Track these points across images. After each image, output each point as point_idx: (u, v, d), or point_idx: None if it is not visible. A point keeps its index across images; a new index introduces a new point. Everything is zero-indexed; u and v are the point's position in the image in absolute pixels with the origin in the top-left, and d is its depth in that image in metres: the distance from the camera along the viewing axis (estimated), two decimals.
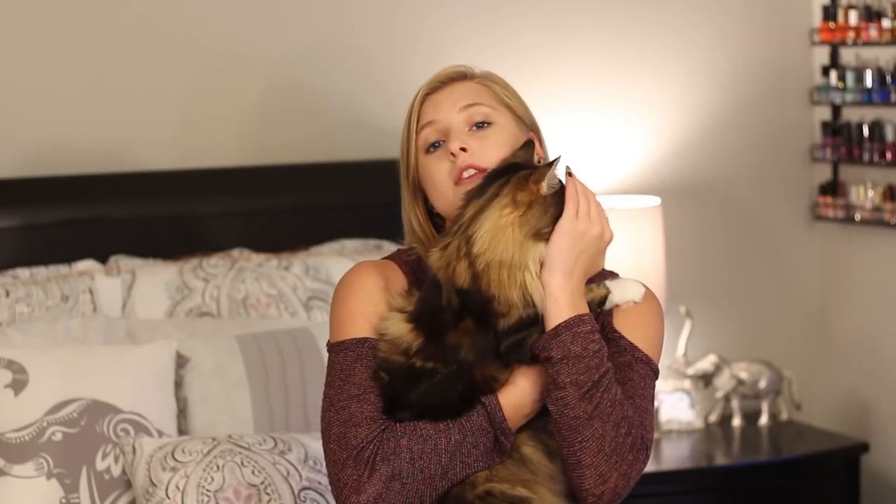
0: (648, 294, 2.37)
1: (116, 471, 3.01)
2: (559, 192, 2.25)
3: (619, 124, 4.09)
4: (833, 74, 4.10)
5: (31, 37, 3.62)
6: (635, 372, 2.31)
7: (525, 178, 2.23)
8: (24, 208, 3.48)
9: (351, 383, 2.27)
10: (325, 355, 2.41)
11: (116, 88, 3.68)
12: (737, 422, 4.03)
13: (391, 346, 2.27)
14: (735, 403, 4.03)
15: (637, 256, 3.77)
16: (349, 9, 3.86)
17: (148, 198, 3.59)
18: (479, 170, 2.31)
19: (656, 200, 3.90)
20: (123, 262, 3.46)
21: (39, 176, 3.56)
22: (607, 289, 2.32)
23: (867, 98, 3.99)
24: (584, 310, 2.24)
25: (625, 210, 3.82)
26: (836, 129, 4.14)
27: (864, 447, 3.89)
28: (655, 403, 2.76)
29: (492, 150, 2.33)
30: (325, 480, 2.93)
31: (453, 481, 2.23)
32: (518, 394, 2.25)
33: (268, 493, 2.88)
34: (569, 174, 2.27)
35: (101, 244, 3.50)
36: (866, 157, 4.01)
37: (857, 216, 4.08)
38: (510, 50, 3.94)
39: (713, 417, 4.06)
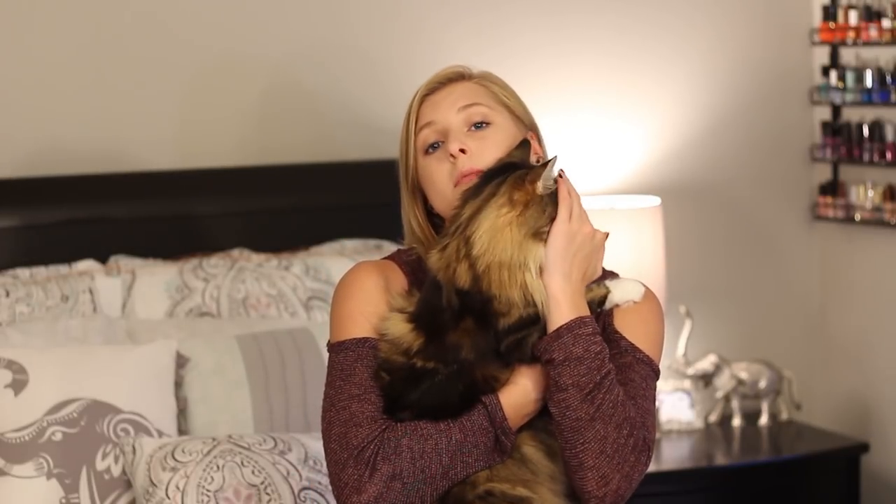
0: (648, 294, 2.37)
1: (116, 471, 3.01)
2: (555, 192, 2.25)
3: (619, 124, 4.09)
4: (833, 74, 4.10)
5: (32, 37, 3.62)
6: (636, 373, 2.31)
7: (521, 177, 2.23)
8: (24, 208, 3.48)
9: (351, 383, 2.27)
10: (326, 355, 2.41)
11: (116, 88, 3.68)
12: (737, 422, 4.03)
13: (392, 346, 2.27)
14: (735, 403, 4.03)
15: (637, 256, 3.77)
16: (349, 9, 3.86)
17: (148, 198, 3.59)
18: (479, 173, 2.31)
19: (656, 200, 3.90)
20: (123, 262, 3.46)
21: (39, 176, 3.56)
22: (607, 288, 2.32)
23: (867, 98, 3.99)
24: (585, 311, 2.24)
25: (625, 210, 3.82)
26: (836, 129, 4.14)
27: (864, 447, 3.89)
28: (656, 403, 2.76)
29: (490, 151, 2.32)
30: (325, 480, 2.93)
31: (454, 481, 2.23)
32: (519, 393, 2.25)
33: (268, 493, 2.88)
34: (560, 175, 2.27)
35: (101, 244, 3.50)
36: (866, 157, 4.01)
37: (857, 216, 4.08)
38: (510, 50, 3.94)
39: (713, 417, 4.06)
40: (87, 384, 3.06)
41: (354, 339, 2.30)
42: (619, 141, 4.09)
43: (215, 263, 3.46)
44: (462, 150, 2.33)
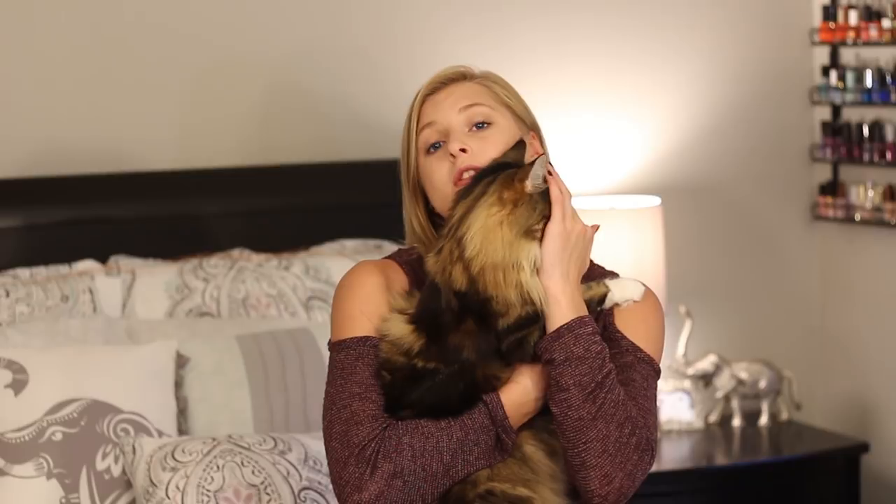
0: (648, 293, 2.37)
1: (116, 471, 3.01)
2: (547, 191, 2.24)
3: (619, 124, 4.09)
4: (833, 74, 4.10)
5: (32, 37, 3.62)
6: (637, 372, 2.31)
7: (510, 176, 2.23)
8: (24, 208, 3.48)
9: (352, 382, 2.27)
10: (326, 355, 2.41)
11: (117, 88, 3.68)
12: (737, 422, 4.03)
13: (393, 347, 2.27)
14: (735, 403, 4.02)
15: (637, 256, 3.77)
16: (349, 9, 3.86)
17: (148, 198, 3.59)
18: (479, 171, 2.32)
19: (656, 200, 3.90)
20: (123, 262, 3.46)
21: (39, 176, 3.56)
22: (606, 287, 2.32)
23: (867, 98, 3.99)
24: (585, 311, 2.25)
25: (625, 210, 3.82)
26: (836, 129, 4.14)
27: (864, 447, 3.89)
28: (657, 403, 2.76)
29: (491, 151, 2.32)
30: (325, 480, 2.93)
31: (455, 479, 2.23)
32: (520, 392, 2.25)
33: (268, 493, 2.88)
34: (549, 173, 2.26)
35: (101, 244, 3.49)
36: (866, 157, 4.01)
37: (857, 216, 4.08)
38: (511, 50, 3.94)
39: (713, 417, 4.06)
40: (87, 384, 3.06)
41: (355, 337, 2.30)
42: (619, 141, 4.09)
43: (215, 263, 3.46)
44: (463, 150, 2.33)
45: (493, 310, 2.20)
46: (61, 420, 3.02)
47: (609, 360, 2.23)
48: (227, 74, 3.76)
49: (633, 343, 2.33)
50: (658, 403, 2.62)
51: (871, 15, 3.97)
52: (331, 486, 2.73)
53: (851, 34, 4.02)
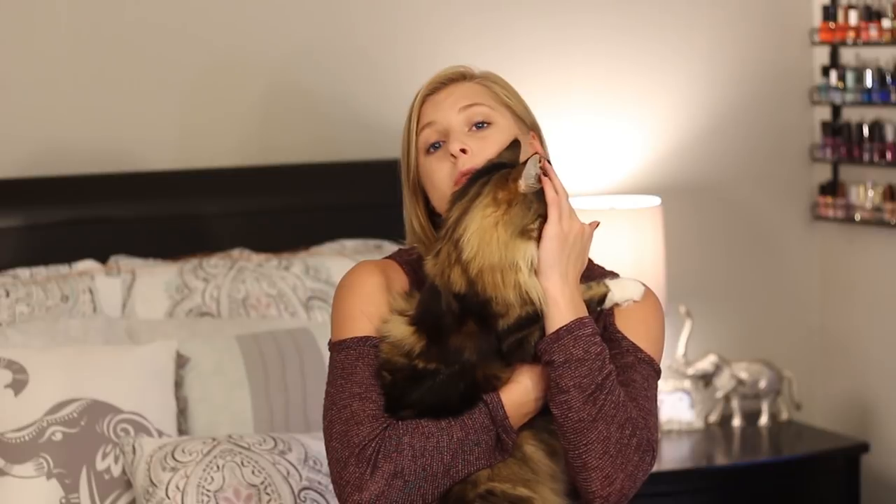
0: (648, 293, 2.37)
1: (116, 471, 3.01)
2: (542, 190, 2.24)
3: (619, 124, 4.09)
4: (833, 74, 4.10)
5: (32, 37, 3.62)
6: (638, 373, 2.31)
7: (504, 176, 2.23)
8: (24, 208, 3.48)
9: (353, 382, 2.27)
10: (326, 355, 2.41)
11: (117, 88, 3.68)
12: (737, 422, 4.03)
13: (393, 347, 2.27)
14: (735, 403, 4.02)
15: (637, 256, 3.77)
16: (349, 9, 3.86)
17: (148, 198, 3.59)
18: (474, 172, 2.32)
19: (656, 200, 3.90)
20: (123, 262, 3.46)
21: (40, 176, 3.56)
22: (606, 287, 2.32)
23: (867, 98, 3.99)
24: (584, 312, 2.24)
25: (625, 210, 3.82)
26: (836, 129, 4.14)
27: (864, 447, 3.89)
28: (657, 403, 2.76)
29: (491, 151, 2.32)
30: (325, 480, 2.93)
31: (455, 479, 2.23)
32: (520, 392, 2.25)
33: (268, 493, 2.88)
34: (545, 173, 2.26)
35: (101, 244, 3.49)
36: (866, 157, 4.01)
37: (857, 216, 4.08)
38: (511, 50, 3.94)
39: (713, 417, 4.06)
40: (87, 384, 3.06)
41: (355, 337, 2.30)
42: (619, 141, 4.09)
43: (215, 263, 3.46)
44: (463, 150, 2.33)
45: (493, 311, 2.20)
46: (61, 420, 3.02)
47: (609, 361, 2.23)
48: (227, 74, 3.76)
49: (633, 343, 2.33)
50: (658, 404, 2.62)
51: (871, 15, 3.97)
52: (331, 486, 2.73)
53: (851, 34, 4.02)
